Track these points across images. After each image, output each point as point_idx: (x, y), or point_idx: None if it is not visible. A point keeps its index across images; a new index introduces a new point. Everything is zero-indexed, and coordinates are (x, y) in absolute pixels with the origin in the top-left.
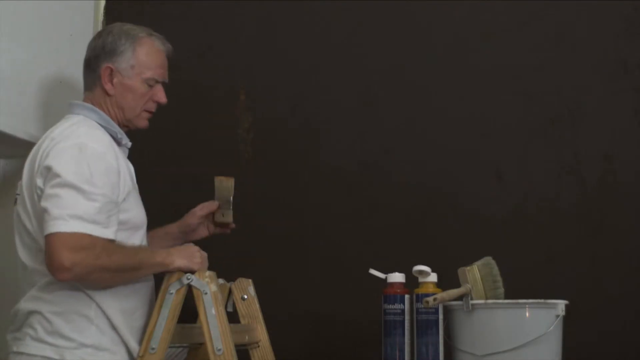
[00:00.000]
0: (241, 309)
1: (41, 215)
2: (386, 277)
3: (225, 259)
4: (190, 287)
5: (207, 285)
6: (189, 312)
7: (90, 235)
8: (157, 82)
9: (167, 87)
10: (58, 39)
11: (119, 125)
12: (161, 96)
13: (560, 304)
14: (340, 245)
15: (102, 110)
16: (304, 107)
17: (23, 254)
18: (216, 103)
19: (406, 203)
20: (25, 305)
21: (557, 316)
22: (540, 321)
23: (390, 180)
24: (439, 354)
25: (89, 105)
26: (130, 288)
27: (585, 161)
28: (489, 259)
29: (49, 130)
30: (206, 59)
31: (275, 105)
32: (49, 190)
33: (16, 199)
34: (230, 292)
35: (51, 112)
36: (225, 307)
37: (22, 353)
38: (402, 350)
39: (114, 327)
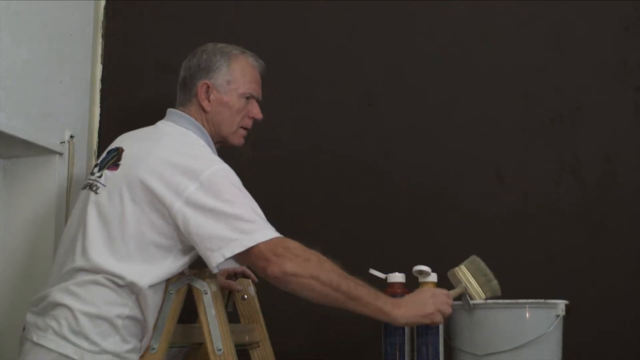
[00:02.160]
0: (241, 309)
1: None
2: (386, 277)
3: None
4: (190, 287)
5: (208, 285)
6: (189, 312)
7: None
8: (252, 97)
9: (166, 87)
10: (58, 39)
11: (213, 142)
12: (257, 112)
13: (560, 304)
14: (340, 245)
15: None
16: (304, 107)
17: (84, 244)
18: None
19: (406, 203)
20: (56, 295)
21: (557, 316)
22: (540, 321)
23: (391, 180)
24: (439, 354)
25: (194, 121)
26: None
27: (585, 161)
28: (474, 257)
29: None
30: None
31: (276, 105)
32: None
33: (92, 185)
34: (230, 292)
35: (51, 112)
36: (225, 307)
37: (41, 346)
38: (402, 350)
39: (137, 338)
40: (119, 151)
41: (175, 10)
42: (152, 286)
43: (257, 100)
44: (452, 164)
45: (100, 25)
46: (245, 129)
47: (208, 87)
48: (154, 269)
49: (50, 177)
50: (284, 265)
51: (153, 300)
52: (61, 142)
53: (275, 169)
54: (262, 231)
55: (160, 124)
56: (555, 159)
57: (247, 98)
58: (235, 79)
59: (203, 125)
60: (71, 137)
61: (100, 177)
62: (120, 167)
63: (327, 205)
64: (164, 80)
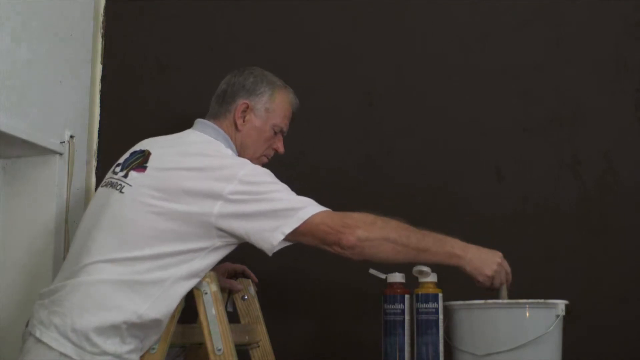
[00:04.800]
0: (241, 309)
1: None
2: (386, 277)
3: (225, 259)
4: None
5: (208, 285)
6: (189, 312)
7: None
8: (281, 131)
9: (166, 89)
10: (58, 39)
11: None
12: (281, 146)
13: (560, 304)
14: None
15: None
16: (304, 107)
17: (102, 241)
18: None
19: (406, 203)
20: (66, 291)
21: (557, 316)
22: (540, 321)
23: (391, 180)
24: (439, 354)
25: (223, 133)
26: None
27: (585, 161)
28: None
29: (181, 139)
30: (206, 59)
31: None
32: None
33: (115, 184)
34: (230, 292)
35: (51, 112)
36: (225, 307)
37: (43, 343)
38: (402, 350)
39: (138, 339)
40: (145, 153)
41: (175, 10)
42: (174, 285)
43: (283, 135)
44: (452, 163)
45: (100, 25)
46: (266, 157)
47: (247, 107)
48: (176, 269)
49: (50, 177)
50: (356, 232)
51: (172, 302)
52: (61, 142)
53: (275, 169)
54: (313, 207)
55: (188, 131)
56: (555, 159)
57: (276, 132)
58: (273, 109)
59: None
60: (71, 137)
61: (125, 176)
62: (148, 169)
63: (327, 205)
64: (164, 80)
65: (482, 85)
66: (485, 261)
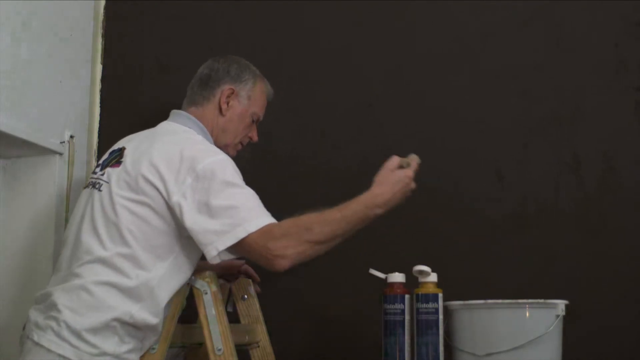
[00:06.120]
0: (241, 309)
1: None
2: (386, 277)
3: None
4: (190, 287)
5: (208, 285)
6: (189, 312)
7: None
8: (258, 120)
9: (166, 89)
10: (58, 39)
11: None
12: (254, 135)
13: (560, 304)
14: (340, 245)
15: (206, 127)
16: (304, 107)
17: (89, 242)
18: None
19: (406, 203)
20: (58, 295)
21: (557, 316)
22: (540, 321)
23: None
24: (439, 354)
25: (197, 121)
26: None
27: (585, 161)
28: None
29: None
30: (206, 59)
31: (275, 105)
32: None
33: (95, 184)
34: (230, 292)
35: (51, 112)
36: (226, 307)
37: (41, 346)
38: (402, 350)
39: (137, 339)
40: (121, 151)
41: (175, 10)
42: (162, 282)
43: (257, 124)
44: (452, 163)
45: (100, 25)
46: (241, 145)
47: (233, 92)
48: (160, 264)
49: (50, 177)
50: (286, 255)
51: (162, 299)
52: (61, 142)
53: (275, 169)
54: (254, 221)
55: (162, 123)
56: (555, 159)
57: (253, 120)
58: (254, 97)
59: (211, 127)
60: (71, 137)
61: (103, 175)
62: (122, 164)
63: (327, 205)
64: (163, 80)
65: (482, 85)
66: (394, 189)
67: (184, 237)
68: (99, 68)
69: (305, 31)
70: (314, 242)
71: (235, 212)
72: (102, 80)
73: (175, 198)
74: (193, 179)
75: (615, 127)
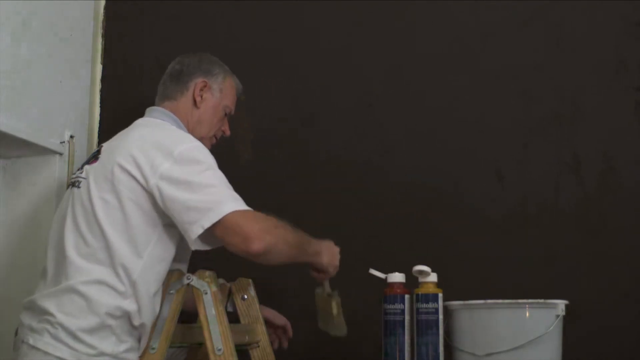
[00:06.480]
0: (241, 309)
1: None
2: (386, 277)
3: (225, 259)
4: (190, 287)
5: (208, 285)
6: (189, 312)
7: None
8: (230, 114)
9: None
10: (58, 38)
11: None
12: (227, 129)
13: (560, 304)
14: (340, 246)
15: (182, 120)
16: (303, 107)
17: (73, 242)
18: None
19: (406, 203)
20: (48, 300)
21: (557, 316)
22: (540, 321)
23: (391, 180)
24: (439, 354)
25: (171, 114)
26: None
27: (585, 161)
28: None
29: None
30: None
31: (275, 105)
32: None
33: (75, 182)
34: (230, 292)
35: (51, 112)
36: (226, 307)
37: (38, 349)
38: (402, 350)
39: (134, 338)
40: (99, 149)
41: (175, 10)
42: (144, 272)
43: (228, 118)
44: (452, 163)
45: (100, 25)
46: (215, 138)
47: (206, 85)
48: (140, 254)
49: (50, 177)
50: (263, 238)
51: (147, 290)
52: (61, 142)
53: (274, 169)
54: (235, 202)
55: (138, 120)
56: (555, 159)
57: (226, 114)
58: (225, 91)
59: (187, 120)
60: (71, 137)
61: (81, 173)
62: (99, 159)
63: (327, 205)
64: None
65: (482, 85)
66: (334, 254)
67: (163, 225)
68: (99, 68)
69: (305, 31)
70: (284, 239)
71: (216, 191)
72: (102, 80)
73: (153, 181)
74: (171, 163)
75: (615, 127)
